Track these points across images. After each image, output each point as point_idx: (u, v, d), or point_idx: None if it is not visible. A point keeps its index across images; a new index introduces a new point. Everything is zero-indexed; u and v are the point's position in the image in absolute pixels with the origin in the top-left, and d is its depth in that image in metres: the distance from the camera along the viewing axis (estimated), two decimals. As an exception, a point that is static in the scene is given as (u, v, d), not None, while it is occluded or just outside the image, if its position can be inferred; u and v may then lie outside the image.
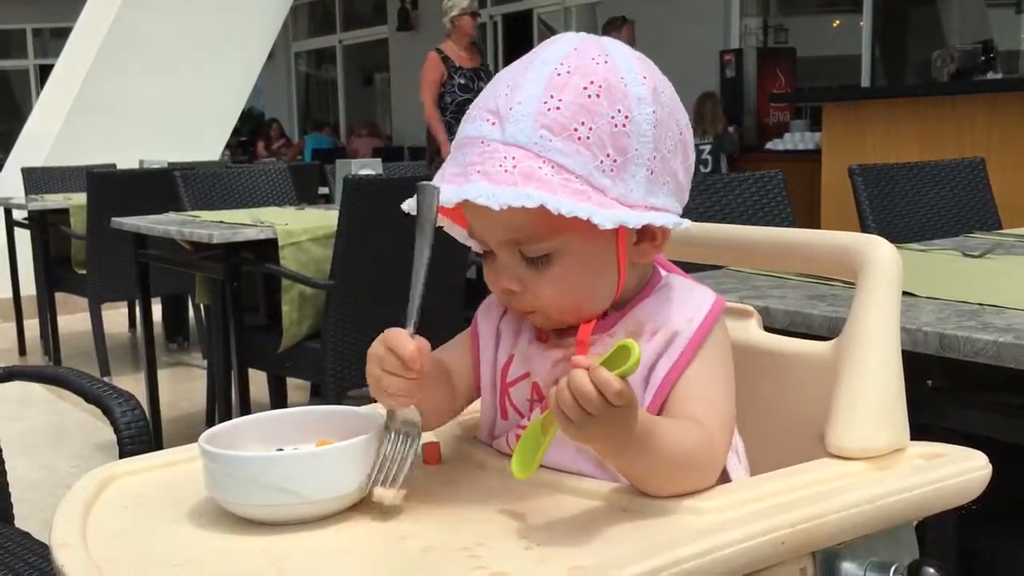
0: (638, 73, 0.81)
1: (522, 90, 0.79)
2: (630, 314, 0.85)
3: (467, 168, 0.78)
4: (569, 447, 0.81)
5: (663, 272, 0.89)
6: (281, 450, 0.82)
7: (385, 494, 0.76)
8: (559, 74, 0.79)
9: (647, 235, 0.84)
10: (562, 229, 0.79)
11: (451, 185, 0.78)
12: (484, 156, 0.78)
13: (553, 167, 0.77)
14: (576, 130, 0.77)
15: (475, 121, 0.81)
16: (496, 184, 0.76)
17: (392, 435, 0.80)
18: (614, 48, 0.82)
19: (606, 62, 0.80)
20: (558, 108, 0.78)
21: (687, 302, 0.84)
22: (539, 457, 0.75)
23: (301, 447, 0.82)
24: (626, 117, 0.79)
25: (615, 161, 0.78)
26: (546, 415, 0.74)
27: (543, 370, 0.86)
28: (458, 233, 0.92)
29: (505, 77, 0.82)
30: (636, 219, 0.79)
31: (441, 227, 0.84)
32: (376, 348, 0.78)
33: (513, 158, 0.77)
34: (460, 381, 0.90)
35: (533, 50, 0.83)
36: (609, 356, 0.70)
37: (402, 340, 0.77)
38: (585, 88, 0.78)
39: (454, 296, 2.94)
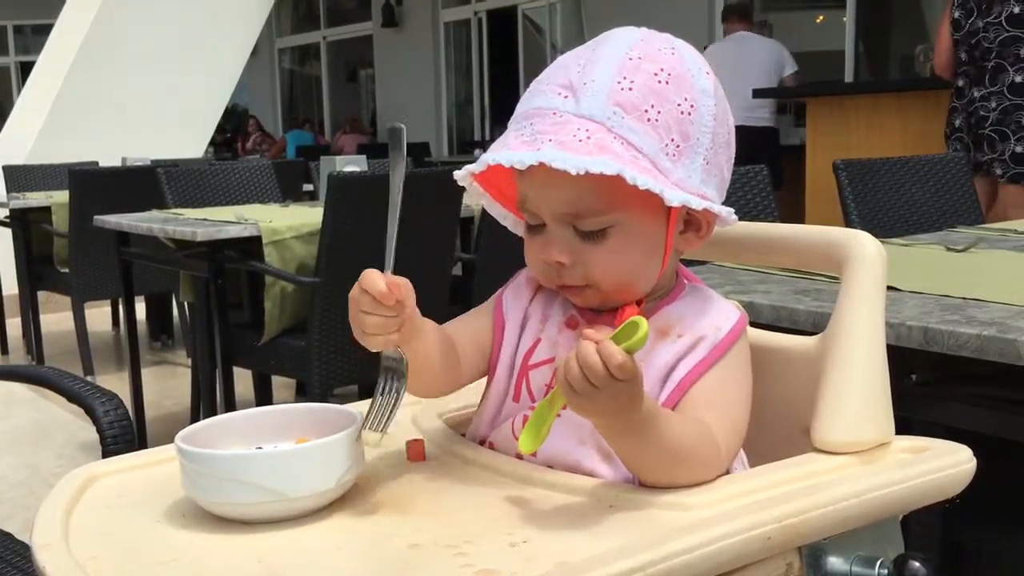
0: (702, 68, 0.83)
1: (596, 68, 0.81)
2: (657, 315, 0.86)
3: (537, 136, 0.79)
4: (571, 438, 0.82)
5: (686, 281, 0.90)
6: (260, 448, 0.81)
7: (370, 437, 0.79)
8: (630, 59, 0.81)
9: (693, 225, 0.86)
10: (620, 206, 0.80)
11: (520, 151, 0.78)
12: (557, 126, 0.79)
13: (624, 143, 0.78)
14: (646, 111, 0.79)
15: (544, 95, 0.82)
16: (571, 152, 0.77)
17: (382, 379, 0.82)
18: (679, 42, 0.84)
19: (673, 53, 0.82)
20: (631, 89, 0.79)
21: (714, 311, 0.86)
22: (545, 431, 0.76)
23: (280, 445, 0.82)
24: (691, 106, 0.81)
25: (678, 147, 0.80)
26: (554, 391, 0.75)
27: None
28: (496, 211, 0.93)
29: (572, 58, 0.83)
30: (698, 202, 0.80)
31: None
32: (353, 292, 0.78)
33: (587, 130, 0.78)
34: (465, 355, 0.89)
35: (595, 39, 0.85)
36: (619, 331, 0.71)
37: (374, 278, 0.76)
38: (656, 74, 0.80)
39: (440, 291, 2.93)
